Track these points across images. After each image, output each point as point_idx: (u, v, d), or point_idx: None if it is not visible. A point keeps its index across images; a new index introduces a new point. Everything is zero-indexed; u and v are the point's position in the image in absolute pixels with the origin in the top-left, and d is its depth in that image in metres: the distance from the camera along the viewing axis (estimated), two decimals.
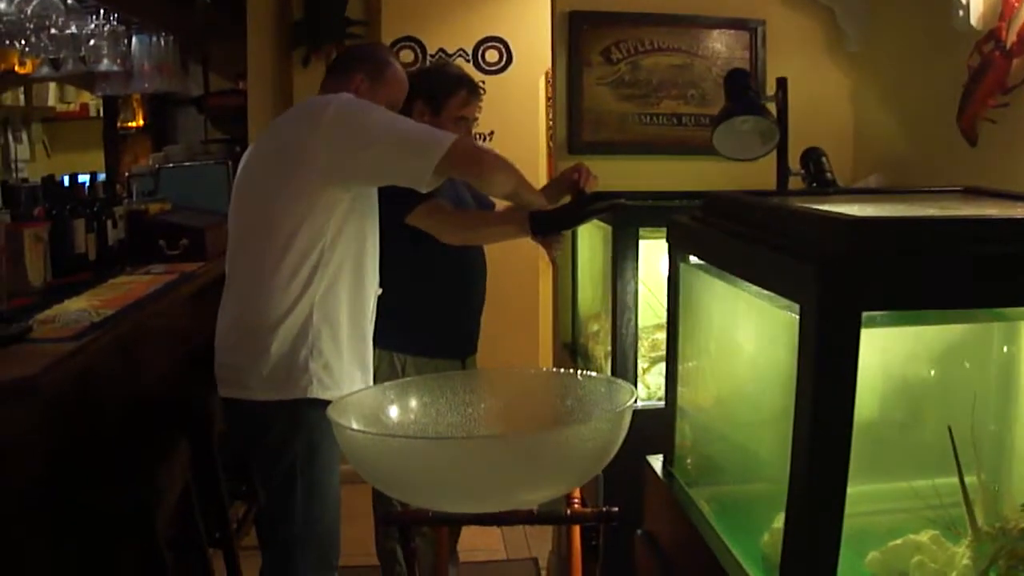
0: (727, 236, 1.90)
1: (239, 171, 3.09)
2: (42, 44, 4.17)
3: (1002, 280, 1.50)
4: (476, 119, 3.65)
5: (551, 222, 3.16)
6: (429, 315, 3.49)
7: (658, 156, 4.12)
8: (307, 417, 2.81)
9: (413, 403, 2.44)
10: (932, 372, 1.84)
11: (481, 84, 5.57)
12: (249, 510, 4.34)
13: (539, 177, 4.79)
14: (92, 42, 4.68)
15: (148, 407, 3.49)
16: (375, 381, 3.06)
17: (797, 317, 1.49)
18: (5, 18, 3.90)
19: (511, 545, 4.72)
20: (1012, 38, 3.05)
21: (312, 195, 2.81)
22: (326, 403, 2.43)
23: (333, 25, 5.36)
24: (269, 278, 2.83)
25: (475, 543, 3.98)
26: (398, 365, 3.44)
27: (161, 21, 5.74)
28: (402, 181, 2.85)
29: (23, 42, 4.04)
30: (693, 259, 2.15)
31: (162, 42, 5.72)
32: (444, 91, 3.48)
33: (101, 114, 7.62)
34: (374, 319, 3.04)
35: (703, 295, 2.14)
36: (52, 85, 7.52)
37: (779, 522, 1.61)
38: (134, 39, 5.59)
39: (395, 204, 3.13)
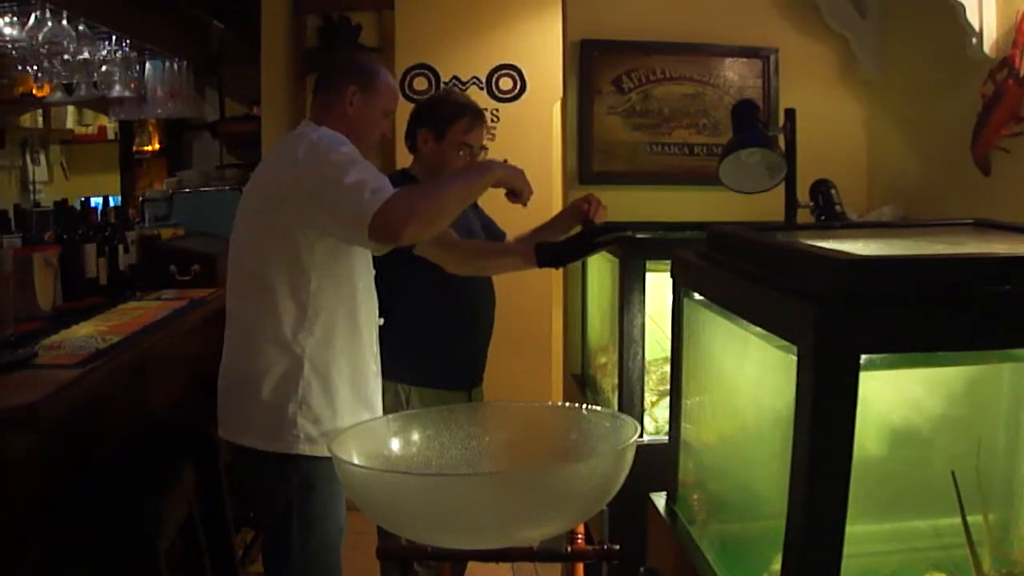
0: (728, 273, 1.88)
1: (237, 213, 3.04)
2: (55, 70, 4.20)
3: (1007, 320, 1.47)
4: (484, 148, 3.64)
5: (557, 254, 3.14)
6: (433, 345, 3.47)
7: (669, 186, 4.10)
8: (298, 465, 2.77)
9: (416, 436, 2.43)
10: (938, 413, 1.80)
11: (495, 112, 5.61)
12: (256, 536, 4.34)
13: (553, 206, 4.76)
14: (104, 68, 4.70)
15: (155, 433, 3.49)
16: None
17: (795, 359, 1.47)
18: (17, 44, 3.93)
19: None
20: None
21: (288, 239, 2.74)
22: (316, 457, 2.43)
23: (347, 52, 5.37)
24: (256, 327, 2.79)
25: (484, 573, 3.94)
26: (402, 396, 3.41)
27: (174, 47, 5.76)
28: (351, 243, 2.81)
29: (36, 67, 4.07)
30: (696, 295, 2.12)
31: (175, 68, 5.74)
32: (447, 117, 3.47)
33: (118, 137, 7.66)
34: (378, 352, 3.01)
35: (706, 331, 2.11)
36: (71, 108, 7.56)
37: (778, 563, 1.58)
38: (147, 65, 5.61)
39: None
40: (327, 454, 2.24)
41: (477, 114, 3.52)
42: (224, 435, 2.91)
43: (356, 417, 2.83)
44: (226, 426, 2.90)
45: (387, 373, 3.11)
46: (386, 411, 3.04)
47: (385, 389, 3.15)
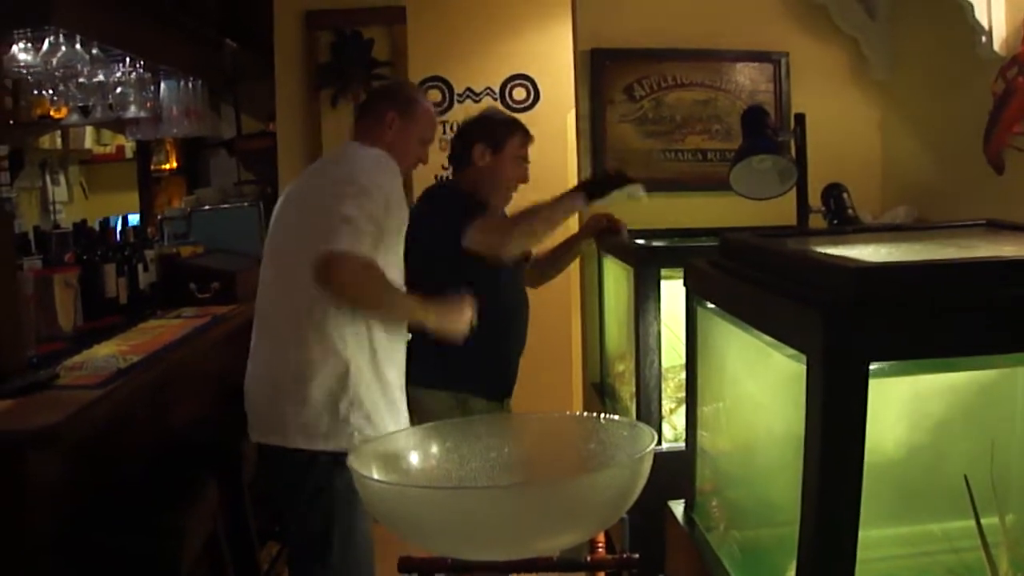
0: (738, 281, 1.88)
1: (273, 218, 3.09)
2: (70, 93, 4.24)
3: (1017, 324, 1.47)
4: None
5: (600, 185, 3.37)
6: (478, 356, 3.47)
7: (684, 193, 4.10)
8: (344, 470, 2.80)
9: (435, 449, 2.43)
10: (951, 417, 1.80)
11: None
12: (282, 550, 4.36)
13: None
14: (119, 89, 4.74)
15: (178, 450, 3.51)
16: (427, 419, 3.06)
17: (804, 366, 1.47)
18: (32, 70, 3.97)
19: None
20: None
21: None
22: None
23: (360, 66, 5.40)
24: (304, 327, 2.82)
25: None
26: (455, 403, 3.46)
27: (189, 66, 5.79)
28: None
29: (51, 91, 4.11)
30: (709, 303, 2.13)
31: (190, 87, 5.77)
32: (504, 133, 3.65)
33: (136, 156, 7.69)
34: (404, 366, 3.04)
35: (720, 340, 2.12)
36: (89, 128, 7.59)
37: (793, 570, 1.59)
38: (162, 85, 5.64)
39: (448, 235, 3.20)
40: None
41: (526, 130, 3.72)
42: (263, 440, 2.92)
43: (397, 416, 2.96)
44: (265, 430, 2.92)
45: (440, 381, 3.20)
46: (441, 417, 3.06)
47: (437, 398, 3.22)
